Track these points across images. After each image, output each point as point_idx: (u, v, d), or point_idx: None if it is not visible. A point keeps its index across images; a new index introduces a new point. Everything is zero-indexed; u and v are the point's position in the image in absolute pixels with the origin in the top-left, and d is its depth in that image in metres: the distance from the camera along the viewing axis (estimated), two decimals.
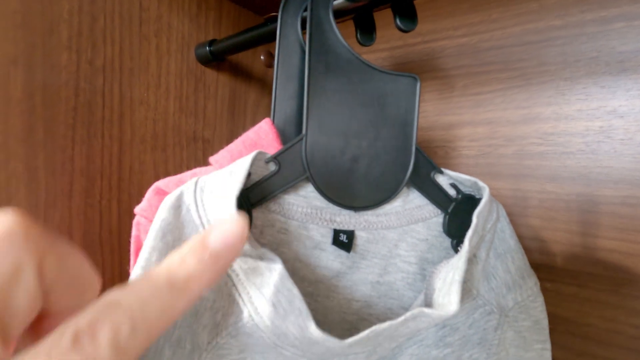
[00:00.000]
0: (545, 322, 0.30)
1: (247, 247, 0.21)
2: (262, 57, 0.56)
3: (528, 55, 0.39)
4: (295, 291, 0.20)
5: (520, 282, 0.29)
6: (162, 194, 0.28)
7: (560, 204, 0.37)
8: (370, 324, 0.22)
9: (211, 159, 0.28)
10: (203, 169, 0.28)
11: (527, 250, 0.39)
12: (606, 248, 0.34)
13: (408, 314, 0.21)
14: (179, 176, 0.27)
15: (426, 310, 0.21)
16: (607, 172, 0.34)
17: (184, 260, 0.13)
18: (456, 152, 0.44)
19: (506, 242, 0.30)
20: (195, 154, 0.46)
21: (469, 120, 0.43)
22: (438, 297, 0.24)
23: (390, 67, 0.50)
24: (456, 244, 0.29)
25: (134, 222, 0.26)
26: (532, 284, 0.30)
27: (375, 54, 0.51)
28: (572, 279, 0.37)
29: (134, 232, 0.26)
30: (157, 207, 0.23)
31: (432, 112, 0.46)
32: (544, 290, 0.38)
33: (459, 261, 0.24)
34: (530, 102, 0.39)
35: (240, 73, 0.51)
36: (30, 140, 0.31)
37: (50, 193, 0.33)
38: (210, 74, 0.47)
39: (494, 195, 0.40)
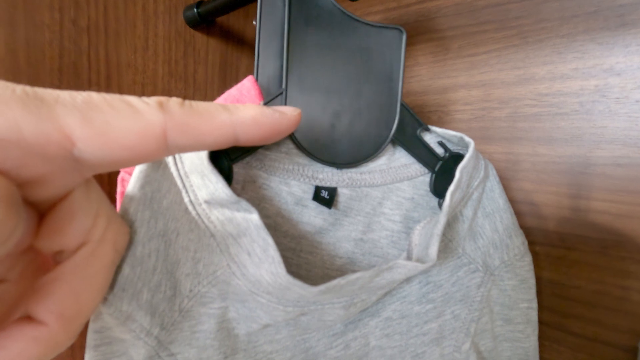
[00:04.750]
0: (532, 282, 0.30)
1: (225, 197, 0.21)
2: (254, 22, 0.55)
3: (526, 12, 0.37)
4: (269, 240, 0.20)
5: (507, 242, 0.29)
6: None
7: (552, 167, 0.36)
8: None
9: None
10: None
11: (518, 214, 0.39)
12: (596, 210, 0.34)
13: (383, 265, 0.21)
14: None
15: (401, 261, 0.21)
16: (600, 132, 0.33)
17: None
18: (449, 116, 0.43)
19: (495, 201, 0.29)
20: None
21: (463, 83, 0.42)
22: (418, 251, 0.24)
23: None
24: (442, 203, 0.29)
25: (119, 178, 0.27)
26: (519, 243, 0.30)
27: (370, 17, 0.49)
28: (561, 241, 0.37)
29: (119, 189, 0.27)
30: None
31: (426, 75, 0.45)
32: (533, 254, 0.38)
33: (439, 216, 0.24)
34: (526, 62, 0.37)
35: (232, 38, 0.50)
36: None
37: None
38: (200, 37, 0.46)
39: (486, 159, 0.40)
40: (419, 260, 0.23)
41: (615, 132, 0.33)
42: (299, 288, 0.20)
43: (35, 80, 0.32)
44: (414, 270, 0.22)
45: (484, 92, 0.40)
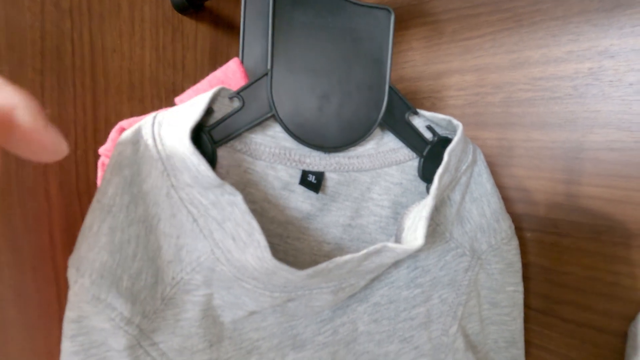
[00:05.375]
0: (518, 265, 0.30)
1: (208, 180, 0.20)
2: None
3: None
4: (254, 224, 0.20)
5: (495, 226, 0.29)
6: None
7: (545, 152, 0.36)
8: None
9: (177, 99, 0.27)
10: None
11: (511, 200, 0.39)
12: (589, 195, 0.34)
13: (371, 248, 0.21)
14: (144, 116, 0.27)
15: (389, 244, 0.21)
16: (594, 116, 0.33)
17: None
18: (443, 102, 0.43)
19: (483, 185, 0.29)
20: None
21: (457, 68, 0.41)
22: (407, 235, 0.24)
23: None
24: (431, 187, 0.29)
25: (99, 162, 0.26)
26: (506, 227, 0.29)
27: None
28: (553, 227, 0.36)
29: (99, 173, 0.26)
30: None
31: (420, 61, 0.44)
32: (525, 240, 0.38)
33: (427, 199, 0.23)
34: (521, 46, 0.37)
35: (221, 23, 0.49)
36: None
37: None
38: (188, 23, 0.45)
39: (479, 145, 0.40)
40: (407, 243, 0.23)
41: (608, 116, 0.32)
42: (286, 272, 0.20)
43: (16, 64, 0.32)
44: (403, 253, 0.21)
45: (478, 77, 0.40)
